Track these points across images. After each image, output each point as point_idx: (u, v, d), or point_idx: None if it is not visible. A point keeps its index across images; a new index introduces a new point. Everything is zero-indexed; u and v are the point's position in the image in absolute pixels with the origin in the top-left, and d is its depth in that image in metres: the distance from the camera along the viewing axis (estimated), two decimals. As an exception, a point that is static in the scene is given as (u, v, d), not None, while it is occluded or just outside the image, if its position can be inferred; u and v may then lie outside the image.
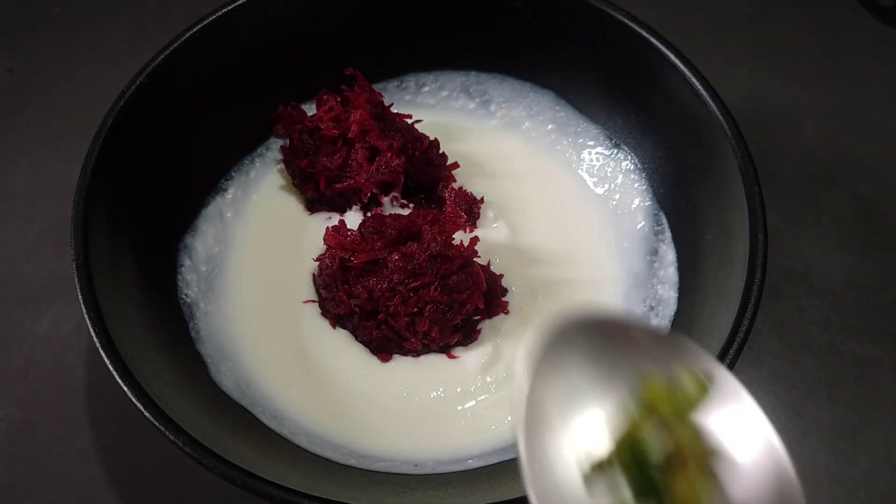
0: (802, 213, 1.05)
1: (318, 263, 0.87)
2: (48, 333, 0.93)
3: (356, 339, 0.86)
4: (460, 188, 0.95)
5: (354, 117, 0.90)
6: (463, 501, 0.72)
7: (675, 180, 0.91)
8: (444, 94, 1.02)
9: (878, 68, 1.20)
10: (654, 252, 0.90)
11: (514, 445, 0.78)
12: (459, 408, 0.82)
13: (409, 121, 0.95)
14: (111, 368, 0.66)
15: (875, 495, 0.85)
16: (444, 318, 0.81)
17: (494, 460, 0.77)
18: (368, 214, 0.91)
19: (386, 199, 0.92)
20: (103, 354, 0.67)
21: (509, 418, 0.81)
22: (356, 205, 0.93)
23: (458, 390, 0.83)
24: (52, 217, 1.01)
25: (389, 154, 0.90)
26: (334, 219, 0.92)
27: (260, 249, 0.91)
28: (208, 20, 0.87)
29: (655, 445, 0.39)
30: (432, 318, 0.81)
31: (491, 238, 0.92)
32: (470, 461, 0.78)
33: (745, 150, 0.79)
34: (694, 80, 0.84)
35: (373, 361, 0.85)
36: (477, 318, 0.87)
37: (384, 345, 0.85)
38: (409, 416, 0.82)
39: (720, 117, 0.81)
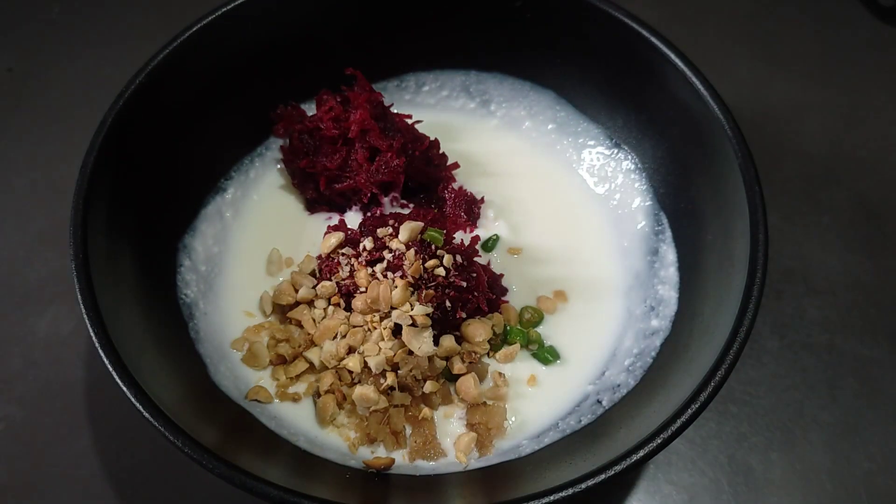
0: (802, 213, 1.05)
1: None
2: (48, 333, 0.93)
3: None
4: (460, 188, 0.95)
5: (354, 117, 0.90)
6: (463, 502, 0.72)
7: (675, 180, 0.91)
8: (444, 93, 1.02)
9: (878, 68, 1.20)
10: (655, 252, 0.90)
11: (514, 446, 0.79)
12: (459, 408, 0.82)
13: (409, 121, 0.95)
14: (111, 368, 0.66)
15: (875, 495, 0.85)
16: (445, 318, 0.81)
17: (495, 461, 0.77)
18: (368, 214, 0.91)
19: (386, 199, 0.92)
20: (102, 354, 0.67)
21: (509, 418, 0.81)
22: (356, 205, 0.93)
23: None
24: (52, 217, 1.01)
25: (389, 154, 0.90)
26: (334, 219, 0.92)
27: (260, 249, 0.91)
28: (208, 20, 0.87)
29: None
30: (433, 318, 0.81)
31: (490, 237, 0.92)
32: (470, 461, 0.78)
33: (745, 150, 0.79)
34: (694, 79, 0.84)
35: (373, 361, 0.84)
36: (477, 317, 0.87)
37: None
38: (409, 416, 0.82)
39: (720, 117, 0.81)
